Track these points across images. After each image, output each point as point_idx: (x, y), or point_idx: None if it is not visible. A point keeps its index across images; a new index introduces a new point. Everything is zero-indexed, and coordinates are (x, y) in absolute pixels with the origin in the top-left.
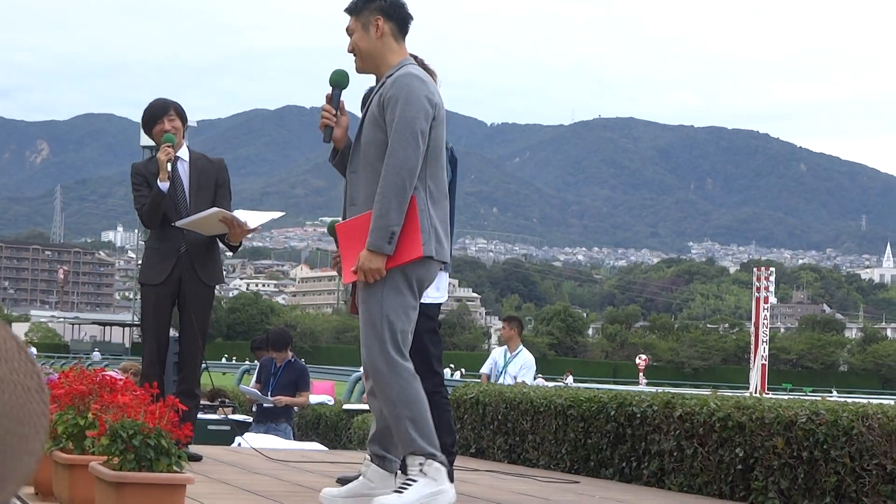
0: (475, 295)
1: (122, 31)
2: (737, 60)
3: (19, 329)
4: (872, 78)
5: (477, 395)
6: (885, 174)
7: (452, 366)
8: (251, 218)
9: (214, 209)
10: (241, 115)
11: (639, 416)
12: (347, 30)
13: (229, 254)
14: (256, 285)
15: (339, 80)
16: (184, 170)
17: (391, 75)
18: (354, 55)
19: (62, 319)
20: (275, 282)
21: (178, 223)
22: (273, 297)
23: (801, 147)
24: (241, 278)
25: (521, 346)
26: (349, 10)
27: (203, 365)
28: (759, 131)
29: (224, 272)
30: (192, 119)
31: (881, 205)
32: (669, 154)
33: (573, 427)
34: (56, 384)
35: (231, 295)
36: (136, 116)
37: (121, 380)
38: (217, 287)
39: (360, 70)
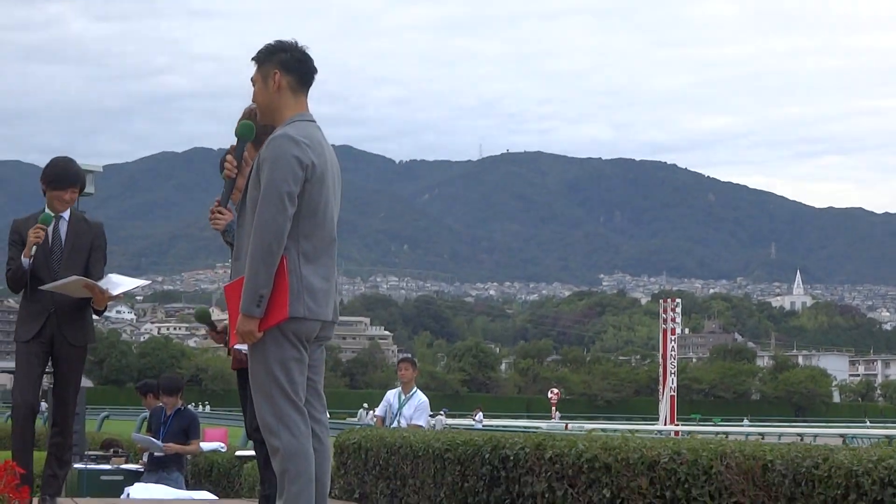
0: (387, 333)
1: (28, 77)
2: (642, 92)
3: None
4: (777, 107)
5: (359, 440)
6: (792, 202)
7: (366, 405)
8: (115, 285)
9: (74, 277)
10: (148, 158)
11: (512, 458)
12: (252, 79)
13: (140, 297)
14: (167, 329)
15: (243, 133)
16: (63, 229)
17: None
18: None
19: None
20: (186, 325)
21: (43, 287)
22: (184, 341)
23: (708, 177)
24: (152, 322)
25: (416, 388)
26: (255, 60)
27: (105, 414)
28: (667, 162)
29: (135, 316)
30: (100, 163)
31: (790, 232)
32: (578, 187)
33: (451, 470)
34: None
35: (142, 339)
36: (44, 163)
37: None
38: (89, 346)
39: (260, 121)
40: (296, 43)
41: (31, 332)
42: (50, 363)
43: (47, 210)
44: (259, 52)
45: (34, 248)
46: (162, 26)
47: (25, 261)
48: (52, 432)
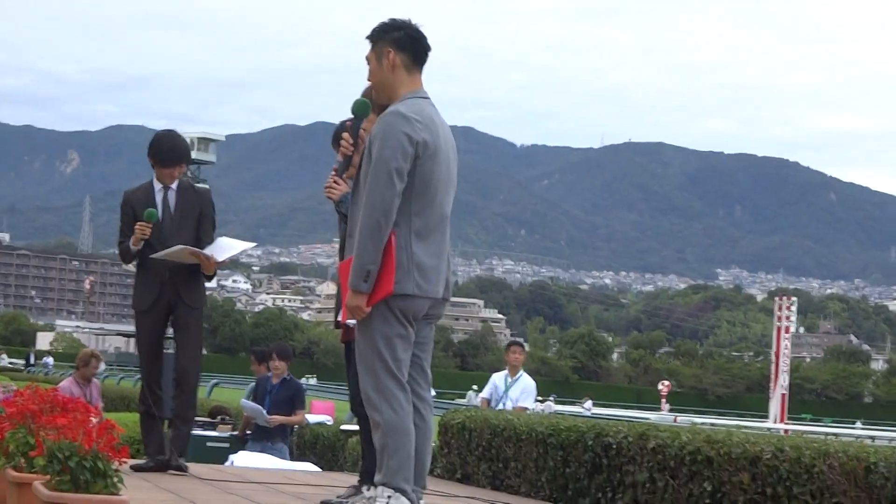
0: (500, 316)
1: (155, 44)
2: (769, 88)
3: (44, 338)
4: None
5: (463, 421)
6: None
7: (476, 387)
8: (221, 249)
9: (179, 246)
10: (270, 130)
11: (614, 446)
12: (366, 58)
13: (256, 268)
14: (282, 301)
15: (359, 110)
16: (172, 198)
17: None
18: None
19: (87, 330)
20: (300, 297)
21: (153, 256)
22: (298, 313)
23: (831, 176)
24: (268, 293)
25: (522, 371)
26: (369, 38)
27: (215, 381)
28: (790, 160)
29: (251, 286)
30: (222, 133)
31: None
32: (699, 180)
33: (553, 455)
34: (9, 402)
35: (256, 310)
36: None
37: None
38: (203, 308)
39: (376, 100)
40: (409, 21)
41: (147, 300)
42: (170, 327)
43: (151, 208)
44: (373, 30)
45: (142, 243)
46: None
47: (133, 248)
48: (175, 392)
